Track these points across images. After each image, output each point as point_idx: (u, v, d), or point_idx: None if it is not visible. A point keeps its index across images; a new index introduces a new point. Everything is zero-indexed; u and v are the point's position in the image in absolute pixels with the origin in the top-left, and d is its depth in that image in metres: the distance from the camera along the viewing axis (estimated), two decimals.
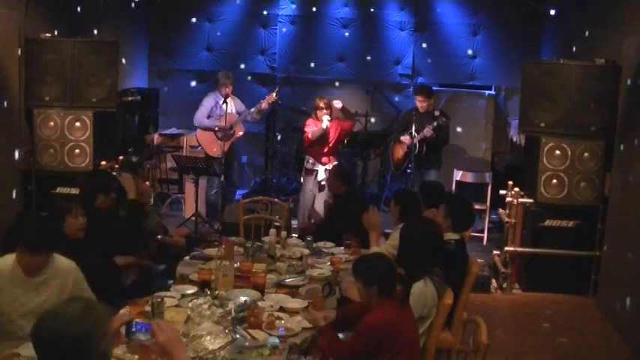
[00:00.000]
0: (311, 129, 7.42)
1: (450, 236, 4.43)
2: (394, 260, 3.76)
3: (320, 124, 7.33)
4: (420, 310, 3.70)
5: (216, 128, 7.77)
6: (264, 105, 7.91)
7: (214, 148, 7.82)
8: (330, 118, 7.40)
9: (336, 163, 7.26)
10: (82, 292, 3.65)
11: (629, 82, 5.87)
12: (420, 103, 7.60)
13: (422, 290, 3.75)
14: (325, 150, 7.47)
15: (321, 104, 7.44)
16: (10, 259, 3.49)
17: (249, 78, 9.64)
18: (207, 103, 7.92)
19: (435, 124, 7.38)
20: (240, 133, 8.04)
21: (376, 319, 3.35)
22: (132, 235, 5.03)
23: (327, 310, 3.72)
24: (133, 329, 3.22)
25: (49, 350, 2.01)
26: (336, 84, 9.63)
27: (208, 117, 7.91)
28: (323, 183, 7.34)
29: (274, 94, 7.97)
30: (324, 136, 7.38)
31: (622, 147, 5.95)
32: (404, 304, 3.44)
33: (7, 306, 3.42)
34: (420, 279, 3.76)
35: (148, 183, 6.15)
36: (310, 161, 7.55)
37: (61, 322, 2.00)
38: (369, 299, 3.48)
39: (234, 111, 7.92)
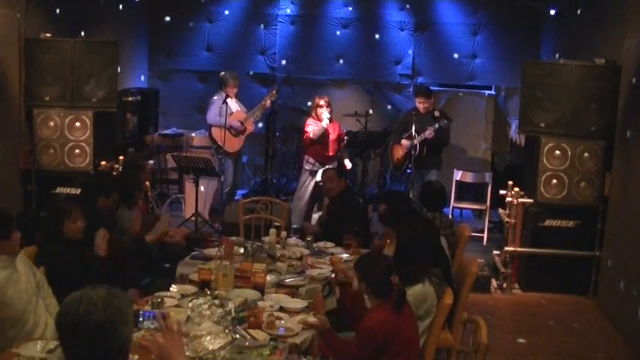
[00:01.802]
0: (312, 128, 7.41)
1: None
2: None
3: (320, 122, 7.33)
4: (417, 310, 3.70)
5: (231, 125, 7.80)
6: (267, 102, 7.97)
7: (232, 144, 7.83)
8: (329, 116, 7.41)
9: (329, 166, 7.23)
10: (35, 270, 3.74)
11: (629, 82, 5.87)
12: (422, 104, 7.59)
13: (422, 291, 3.75)
14: (326, 150, 7.46)
15: (321, 102, 7.43)
16: None
17: (249, 78, 9.65)
18: (217, 102, 7.93)
19: (437, 126, 7.36)
20: (252, 128, 8.13)
21: (374, 322, 3.35)
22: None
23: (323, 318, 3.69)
24: (140, 318, 3.25)
25: (72, 335, 2.07)
26: (336, 84, 9.63)
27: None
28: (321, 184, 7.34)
29: (274, 91, 8.08)
30: (324, 135, 7.38)
31: (622, 147, 5.95)
32: (398, 310, 3.39)
33: (11, 308, 3.46)
34: (419, 282, 3.75)
35: (148, 183, 6.14)
36: (310, 161, 7.54)
37: (85, 309, 2.05)
38: (366, 296, 3.49)
39: (240, 108, 7.98)
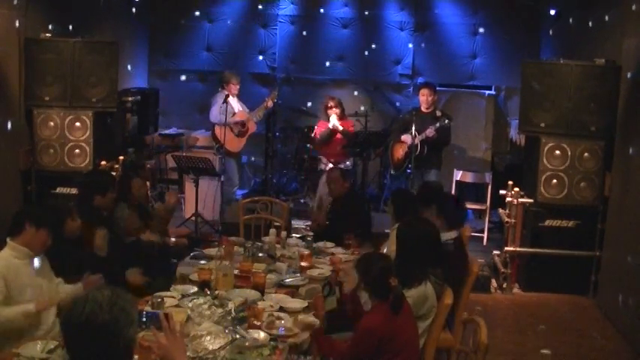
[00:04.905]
0: (319, 130, 7.54)
1: (448, 236, 4.42)
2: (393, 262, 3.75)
3: (328, 124, 7.45)
4: (418, 310, 3.70)
5: (233, 123, 7.85)
6: (269, 103, 8.02)
7: (235, 144, 7.85)
8: (337, 117, 7.49)
9: (333, 166, 7.27)
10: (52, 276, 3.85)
11: (629, 82, 5.87)
12: (427, 96, 7.54)
13: (422, 291, 3.74)
14: (338, 149, 7.56)
15: (330, 103, 7.54)
16: (6, 251, 3.62)
17: (249, 78, 9.64)
18: (219, 99, 7.92)
19: (438, 124, 7.34)
20: (254, 129, 8.16)
21: (371, 323, 3.35)
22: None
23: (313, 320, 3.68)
24: (143, 318, 3.24)
25: (78, 335, 2.08)
26: (336, 84, 9.64)
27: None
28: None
29: (276, 92, 8.14)
30: (332, 135, 7.44)
31: (622, 147, 5.95)
32: (396, 311, 3.38)
33: (25, 292, 3.54)
34: (419, 283, 3.75)
35: (148, 183, 6.14)
36: (324, 161, 7.75)
37: (90, 309, 2.07)
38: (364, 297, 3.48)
39: (242, 108, 7.99)
